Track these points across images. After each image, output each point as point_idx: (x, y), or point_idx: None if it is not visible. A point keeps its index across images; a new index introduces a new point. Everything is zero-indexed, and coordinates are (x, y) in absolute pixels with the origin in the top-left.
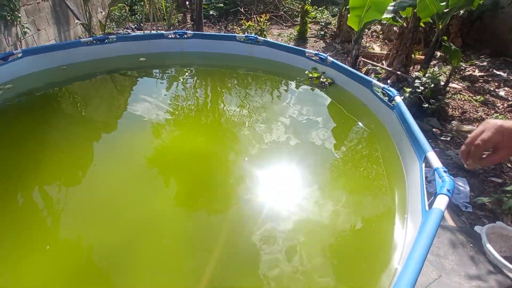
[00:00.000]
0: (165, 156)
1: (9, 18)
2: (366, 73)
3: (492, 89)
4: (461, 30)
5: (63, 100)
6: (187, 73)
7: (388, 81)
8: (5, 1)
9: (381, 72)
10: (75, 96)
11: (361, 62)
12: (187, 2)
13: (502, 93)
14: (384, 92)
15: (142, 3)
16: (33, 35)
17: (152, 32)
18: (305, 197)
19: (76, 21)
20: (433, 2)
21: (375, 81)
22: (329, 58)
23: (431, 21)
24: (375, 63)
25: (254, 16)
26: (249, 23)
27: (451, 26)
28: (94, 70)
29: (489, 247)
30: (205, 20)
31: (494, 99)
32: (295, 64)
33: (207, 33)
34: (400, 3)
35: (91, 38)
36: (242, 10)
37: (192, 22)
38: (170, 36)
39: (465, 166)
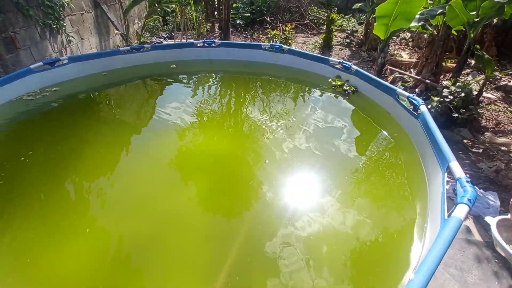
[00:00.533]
0: (191, 157)
1: (54, 26)
2: (393, 81)
3: None
4: (495, 39)
5: (102, 103)
6: (213, 80)
7: (416, 90)
8: (49, 9)
9: (408, 80)
10: (113, 100)
11: (388, 70)
12: (216, 12)
13: None
14: (409, 101)
15: (174, 14)
16: (77, 43)
17: (183, 41)
18: (326, 203)
19: (116, 31)
20: (463, 11)
21: (399, 90)
22: (353, 66)
23: (464, 29)
24: (402, 71)
25: (280, 25)
26: (274, 31)
27: (485, 35)
28: (131, 76)
29: (495, 233)
30: (232, 29)
31: None
32: (318, 72)
33: (234, 42)
34: (429, 12)
35: (128, 47)
36: (268, 19)
37: (220, 31)
38: (199, 45)
39: None
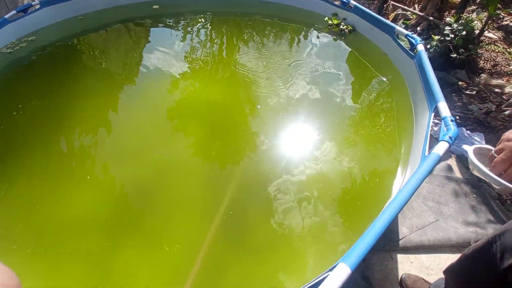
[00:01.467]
0: (184, 105)
1: None
2: (395, 19)
3: None
4: None
5: (83, 51)
6: (201, 22)
7: (418, 28)
8: None
9: (411, 17)
10: (95, 47)
11: (390, 5)
12: None
13: None
14: (407, 39)
15: None
16: None
17: None
18: (319, 149)
19: None
20: None
21: (398, 28)
22: (352, 1)
23: None
24: (405, 7)
25: None
26: None
27: None
28: (109, 19)
29: (471, 157)
30: None
31: None
32: (314, 10)
33: None
34: None
35: None
36: None
37: None
38: None
39: (497, 186)
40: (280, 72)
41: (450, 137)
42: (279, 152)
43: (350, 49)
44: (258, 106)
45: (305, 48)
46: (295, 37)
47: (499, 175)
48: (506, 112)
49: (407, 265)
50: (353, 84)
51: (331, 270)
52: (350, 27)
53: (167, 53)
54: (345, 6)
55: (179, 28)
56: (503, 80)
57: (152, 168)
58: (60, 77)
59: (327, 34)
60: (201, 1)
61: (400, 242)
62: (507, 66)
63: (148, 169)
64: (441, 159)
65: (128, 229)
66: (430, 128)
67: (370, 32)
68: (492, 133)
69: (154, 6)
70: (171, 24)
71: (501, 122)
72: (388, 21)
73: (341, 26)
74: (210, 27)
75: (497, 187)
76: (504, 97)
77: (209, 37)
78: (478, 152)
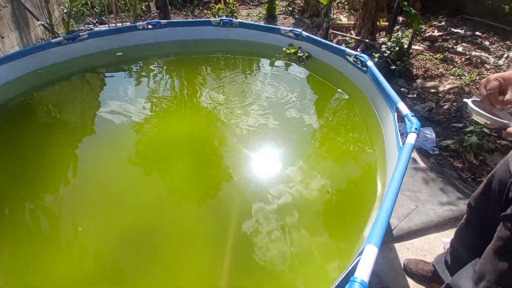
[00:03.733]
0: (155, 147)
1: None
2: (337, 44)
3: (450, 46)
4: None
5: (44, 105)
6: (165, 63)
7: (358, 49)
8: None
9: (350, 41)
10: (56, 100)
11: (332, 34)
12: None
13: (459, 48)
14: (357, 58)
15: None
16: None
17: (125, 25)
18: (294, 171)
19: (39, 22)
20: None
21: (348, 50)
22: (304, 33)
23: None
24: (344, 34)
25: None
26: (218, 6)
27: None
28: (71, 70)
29: (471, 105)
30: (170, 7)
31: (452, 55)
32: (272, 43)
33: (182, 20)
34: None
35: (61, 38)
36: None
37: (157, 10)
38: (144, 28)
39: (489, 121)
40: (246, 102)
41: (416, 128)
42: (254, 184)
43: (310, 72)
44: (244, 131)
45: (267, 76)
46: (257, 67)
47: (490, 114)
48: (445, 107)
49: (404, 252)
50: (319, 102)
51: (360, 255)
52: (306, 54)
53: (133, 97)
54: (298, 37)
55: (144, 72)
56: (436, 81)
57: (143, 211)
58: (17, 135)
59: (287, 62)
60: (165, 44)
61: (393, 232)
62: (436, 70)
63: (140, 213)
64: (411, 149)
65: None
66: (397, 125)
67: (324, 56)
68: (438, 126)
69: (118, 53)
70: (137, 68)
71: (443, 115)
72: (338, 45)
73: (298, 54)
74: (172, 68)
75: (489, 123)
76: (440, 95)
77: (172, 78)
78: (474, 103)
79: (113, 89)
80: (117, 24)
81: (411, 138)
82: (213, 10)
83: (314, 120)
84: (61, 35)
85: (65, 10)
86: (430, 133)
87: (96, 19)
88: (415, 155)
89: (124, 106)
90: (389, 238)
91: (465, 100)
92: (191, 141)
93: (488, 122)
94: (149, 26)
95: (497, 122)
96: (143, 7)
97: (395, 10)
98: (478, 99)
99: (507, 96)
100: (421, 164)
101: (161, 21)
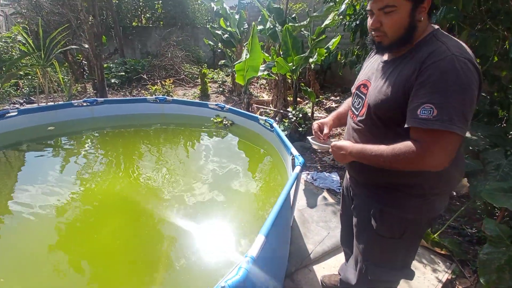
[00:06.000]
0: (88, 231)
1: None
2: (260, 114)
3: None
4: (318, 78)
5: None
6: (99, 137)
7: (276, 118)
8: None
9: (270, 112)
10: None
11: (255, 107)
12: (85, 75)
13: None
14: (266, 122)
15: (30, 77)
16: None
17: (60, 102)
18: (220, 195)
19: None
20: (284, 63)
21: (260, 117)
22: (226, 106)
23: (290, 74)
24: (265, 107)
25: (158, 81)
26: (155, 87)
27: (309, 76)
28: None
29: (310, 139)
30: (107, 88)
31: None
32: (201, 115)
33: (118, 98)
34: (267, 65)
35: None
36: (145, 77)
37: (94, 91)
38: (79, 105)
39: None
40: (179, 171)
41: (300, 163)
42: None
43: (233, 135)
44: (172, 219)
45: (200, 142)
46: (190, 135)
47: (321, 143)
48: None
49: (321, 271)
50: (241, 156)
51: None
52: (230, 122)
53: (60, 175)
54: (223, 109)
55: (75, 146)
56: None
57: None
58: None
59: (214, 129)
60: (99, 118)
61: (311, 256)
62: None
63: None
64: (298, 176)
65: None
66: (291, 165)
67: (244, 122)
68: (341, 171)
69: (49, 128)
70: (68, 142)
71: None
72: (253, 114)
73: (224, 122)
74: (107, 140)
75: (318, 148)
76: None
77: (106, 151)
78: (312, 139)
79: (39, 165)
80: (48, 104)
81: (297, 169)
82: (150, 91)
83: (240, 168)
84: None
85: None
86: (335, 176)
87: (24, 99)
88: (325, 194)
89: (52, 183)
90: (308, 262)
91: (307, 137)
92: (124, 224)
93: (317, 148)
94: (86, 104)
95: (324, 147)
96: (79, 88)
97: (295, 89)
98: (313, 136)
99: (324, 131)
100: (330, 200)
101: (98, 99)
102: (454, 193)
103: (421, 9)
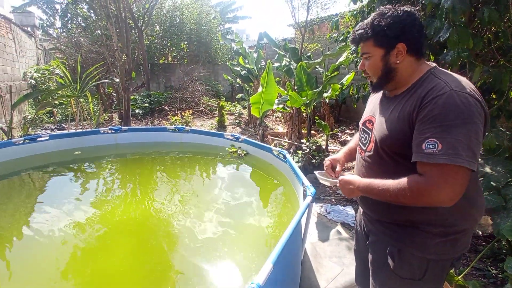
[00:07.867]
0: (104, 254)
1: None
2: (275, 146)
3: None
4: (333, 111)
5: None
6: (121, 163)
7: (291, 150)
8: None
9: (285, 144)
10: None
11: (270, 139)
12: (113, 105)
13: None
14: (279, 153)
15: (63, 106)
16: None
17: (88, 129)
18: (236, 227)
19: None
20: (297, 97)
21: (273, 148)
22: (242, 137)
23: (305, 108)
24: (279, 139)
25: (178, 112)
26: (175, 117)
27: (324, 110)
28: (27, 166)
29: (317, 174)
30: (132, 118)
31: None
32: (217, 144)
33: (140, 127)
34: (282, 99)
35: (22, 138)
36: (167, 108)
37: (120, 120)
38: (105, 132)
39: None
40: (189, 193)
41: (311, 193)
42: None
43: (247, 165)
44: (185, 253)
45: (215, 170)
46: (206, 163)
47: (329, 179)
48: None
49: None
50: (254, 186)
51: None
52: (244, 152)
53: (83, 196)
54: (238, 139)
55: (100, 168)
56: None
57: None
58: None
59: (230, 158)
60: (122, 145)
61: None
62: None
63: None
64: (309, 206)
65: None
66: (302, 195)
67: (258, 152)
68: (356, 204)
69: (76, 152)
70: (91, 166)
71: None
72: (267, 145)
73: (238, 152)
74: (128, 166)
75: (328, 184)
76: None
77: (127, 176)
78: (320, 174)
79: (66, 186)
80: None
81: (308, 199)
82: (171, 121)
83: (252, 199)
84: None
85: (29, 116)
86: (350, 210)
87: (56, 126)
88: (339, 228)
89: (74, 204)
90: None
91: (314, 172)
92: (138, 252)
93: (328, 184)
94: (111, 131)
95: (332, 182)
96: (106, 117)
97: (309, 122)
98: (324, 171)
99: (337, 169)
100: (345, 234)
101: (123, 127)
102: (480, 233)
103: (394, 53)
